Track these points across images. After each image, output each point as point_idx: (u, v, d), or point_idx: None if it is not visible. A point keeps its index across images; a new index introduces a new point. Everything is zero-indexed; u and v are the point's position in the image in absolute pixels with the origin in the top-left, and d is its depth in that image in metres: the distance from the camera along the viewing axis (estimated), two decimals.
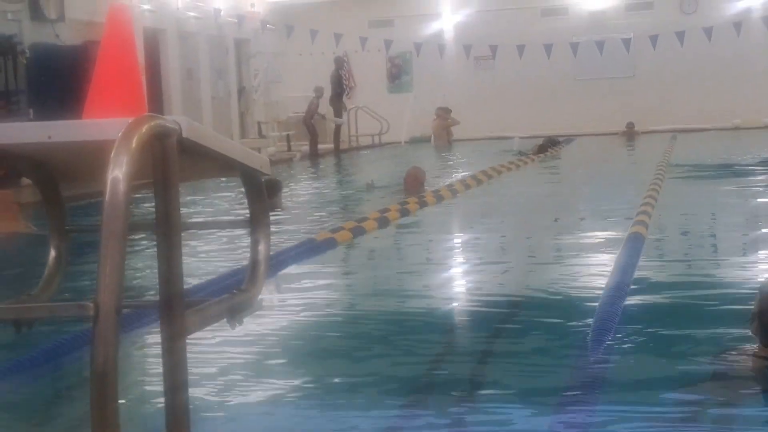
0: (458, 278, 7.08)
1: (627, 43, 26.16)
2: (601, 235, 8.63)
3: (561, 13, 27.58)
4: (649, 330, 5.00)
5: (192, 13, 22.56)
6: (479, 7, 27.60)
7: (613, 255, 6.93)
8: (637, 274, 6.24)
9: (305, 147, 23.47)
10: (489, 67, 27.70)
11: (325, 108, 24.32)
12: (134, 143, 2.03)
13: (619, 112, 26.17)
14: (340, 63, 25.69)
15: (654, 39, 25.51)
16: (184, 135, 2.21)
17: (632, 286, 5.85)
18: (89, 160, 2.43)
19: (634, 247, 7.07)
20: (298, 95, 25.79)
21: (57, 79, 15.78)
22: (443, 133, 25.05)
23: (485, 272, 7.09)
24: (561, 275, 6.68)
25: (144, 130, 2.07)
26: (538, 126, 23.35)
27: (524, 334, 5.16)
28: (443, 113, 25.25)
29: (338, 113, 24.70)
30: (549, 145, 19.85)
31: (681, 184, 12.42)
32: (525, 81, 27.21)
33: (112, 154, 2.01)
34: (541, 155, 18.82)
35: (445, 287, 6.61)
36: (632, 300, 5.56)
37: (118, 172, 2.00)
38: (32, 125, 2.36)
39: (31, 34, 16.32)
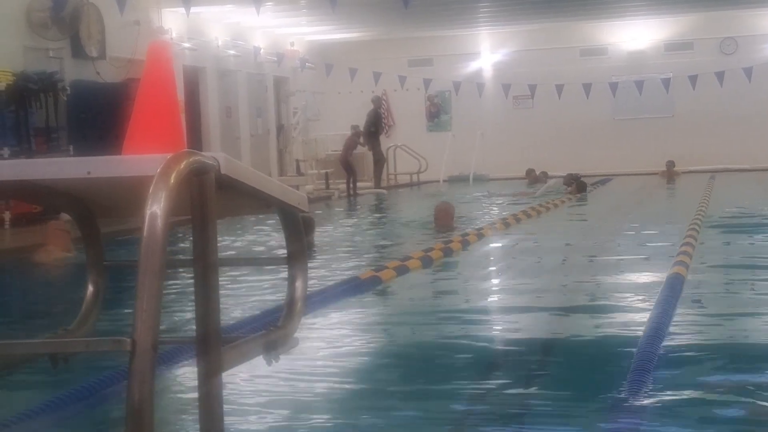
0: (494, 317, 7.03)
1: (666, 82, 26.07)
2: (639, 276, 8.56)
3: (600, 53, 27.56)
4: (688, 372, 4.92)
5: (232, 51, 22.75)
6: (518, 47, 27.66)
7: (651, 296, 6.85)
8: (676, 315, 6.16)
9: (344, 185, 23.51)
10: (528, 106, 27.71)
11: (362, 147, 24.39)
12: (172, 179, 2.03)
13: (657, 152, 26.04)
14: (378, 102, 25.77)
15: (693, 79, 25.41)
16: (223, 171, 2.21)
17: (671, 327, 5.78)
18: (128, 195, 2.44)
19: (673, 288, 6.99)
20: (336, 133, 25.90)
21: (97, 116, 15.95)
22: None
23: (521, 311, 7.02)
24: (598, 315, 6.62)
25: (182, 166, 2.07)
26: (576, 166, 23.23)
27: (560, 376, 5.10)
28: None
29: (376, 152, 24.73)
30: (577, 183, 19.68)
31: (720, 227, 12.27)
32: (563, 120, 27.18)
33: (151, 190, 2.01)
34: (578, 194, 18.77)
35: (481, 326, 6.55)
36: (671, 341, 5.49)
37: (156, 208, 2.00)
38: (72, 161, 2.37)
39: (72, 72, 16.52)
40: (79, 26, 16.83)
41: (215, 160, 2.19)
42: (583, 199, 18.56)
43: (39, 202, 2.98)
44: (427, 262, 9.35)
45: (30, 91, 15.06)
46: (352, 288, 7.84)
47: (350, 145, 23.66)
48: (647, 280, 8.02)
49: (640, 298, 7.09)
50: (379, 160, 24.73)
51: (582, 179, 19.87)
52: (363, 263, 9.93)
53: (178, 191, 2.04)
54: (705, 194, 17.12)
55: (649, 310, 6.29)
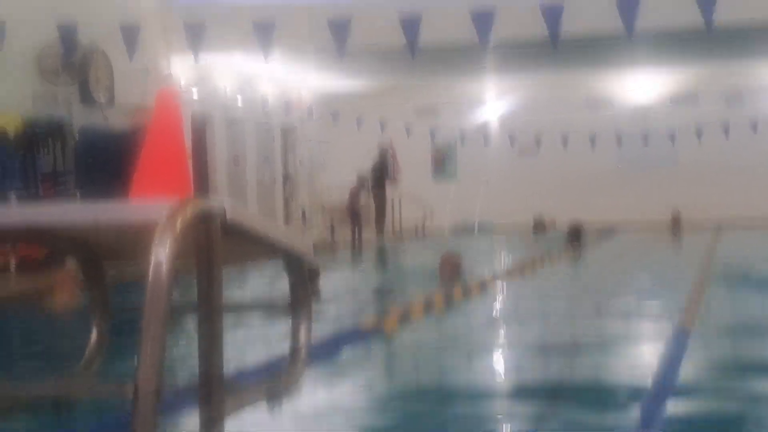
0: (499, 368, 6.99)
1: (671, 134, 26.13)
2: (644, 329, 8.52)
3: (606, 103, 27.67)
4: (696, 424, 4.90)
5: (239, 100, 22.86)
6: (524, 97, 27.78)
7: (657, 350, 6.82)
8: (681, 370, 6.13)
9: (349, 234, 23.51)
10: (533, 156, 27.77)
11: (367, 196, 24.44)
12: (179, 225, 2.04)
13: (663, 202, 26.03)
14: (384, 152, 25.84)
15: (699, 131, 25.46)
16: (229, 217, 2.22)
17: (677, 382, 5.75)
18: (134, 241, 2.44)
19: (679, 342, 6.96)
20: (342, 182, 25.97)
21: (105, 162, 16.01)
22: None
23: (526, 364, 6.99)
24: (604, 368, 6.58)
25: (188, 212, 2.08)
26: (581, 215, 23.16)
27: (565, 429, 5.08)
28: None
29: (381, 201, 24.77)
30: (576, 233, 19.65)
31: (726, 280, 12.21)
32: (569, 170, 27.23)
33: (157, 236, 2.02)
34: (575, 245, 18.71)
35: (485, 378, 6.53)
36: (677, 397, 5.46)
37: (161, 254, 2.00)
38: (78, 206, 2.38)
39: (80, 118, 16.60)
40: (88, 73, 16.94)
41: (221, 207, 2.21)
42: (583, 248, 18.52)
43: (46, 248, 3.00)
44: (429, 312, 9.34)
45: (38, 136, 15.13)
46: (354, 337, 7.82)
47: (356, 193, 23.71)
48: (652, 334, 7.97)
49: (646, 353, 7.04)
50: (382, 210, 24.76)
51: (577, 227, 19.78)
52: (366, 312, 9.91)
53: (184, 237, 2.05)
54: (710, 246, 17.09)
55: (655, 361, 6.27)
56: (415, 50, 14.97)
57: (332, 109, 26.38)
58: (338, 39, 15.19)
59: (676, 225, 24.68)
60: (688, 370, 6.14)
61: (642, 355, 6.89)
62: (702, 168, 26.71)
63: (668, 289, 11.57)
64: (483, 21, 14.82)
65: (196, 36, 16.14)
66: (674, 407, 5.19)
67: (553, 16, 14.65)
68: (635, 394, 5.62)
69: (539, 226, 23.78)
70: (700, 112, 26.50)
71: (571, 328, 8.81)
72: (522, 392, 6.01)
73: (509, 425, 5.24)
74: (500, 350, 7.89)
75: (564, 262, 16.01)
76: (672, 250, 20.43)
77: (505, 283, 12.29)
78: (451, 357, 7.26)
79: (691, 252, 18.01)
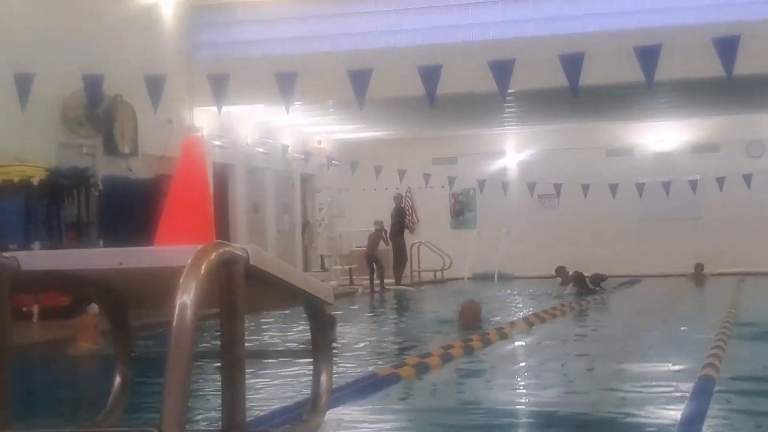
0: (519, 423, 6.95)
1: (693, 184, 26.04)
2: (666, 383, 8.44)
3: (626, 153, 27.67)
4: None
5: (260, 149, 23.02)
6: (544, 146, 27.83)
7: (681, 403, 6.77)
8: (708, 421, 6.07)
9: (367, 281, 23.53)
10: (553, 205, 27.72)
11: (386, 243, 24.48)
12: (203, 269, 2.06)
13: (685, 253, 25.91)
14: (399, 200, 25.98)
15: (721, 181, 25.34)
16: (251, 262, 2.25)
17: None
18: (159, 286, 2.47)
19: (704, 390, 6.89)
20: (361, 229, 26.03)
21: (128, 211, 16.11)
22: None
23: (541, 416, 6.94)
24: (625, 422, 6.54)
25: (213, 257, 2.11)
26: (602, 266, 23.06)
27: None
28: None
29: (399, 249, 24.81)
30: (591, 282, 19.61)
31: (750, 334, 12.09)
32: (589, 220, 27.16)
33: (181, 280, 2.04)
34: (585, 295, 18.63)
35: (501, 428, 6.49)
36: None
37: (186, 298, 2.03)
38: (104, 251, 2.42)
39: (104, 168, 16.74)
40: (112, 123, 17.11)
41: (244, 252, 2.24)
42: (598, 296, 18.46)
43: (72, 293, 3.03)
44: (447, 359, 9.30)
45: (62, 186, 15.24)
46: (370, 385, 7.79)
47: (375, 240, 23.74)
48: (675, 388, 7.88)
49: (669, 407, 6.97)
50: (401, 258, 24.78)
51: (581, 277, 19.74)
52: (383, 360, 9.88)
53: (209, 281, 2.07)
54: (734, 298, 16.96)
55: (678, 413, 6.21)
56: (434, 100, 15.05)
57: (351, 157, 26.52)
58: (358, 89, 15.30)
59: (698, 275, 24.53)
60: (712, 425, 6.09)
61: (664, 412, 6.81)
62: (724, 217, 26.59)
63: (690, 340, 11.49)
64: (502, 71, 14.90)
65: (218, 87, 16.30)
66: None
67: (572, 66, 14.72)
68: None
69: (561, 277, 23.65)
70: (722, 162, 26.43)
71: (592, 381, 8.76)
72: None
73: None
74: (518, 404, 7.82)
75: (584, 311, 15.94)
76: (694, 300, 20.29)
77: (524, 333, 12.24)
78: (467, 412, 7.22)
79: (714, 302, 17.90)
